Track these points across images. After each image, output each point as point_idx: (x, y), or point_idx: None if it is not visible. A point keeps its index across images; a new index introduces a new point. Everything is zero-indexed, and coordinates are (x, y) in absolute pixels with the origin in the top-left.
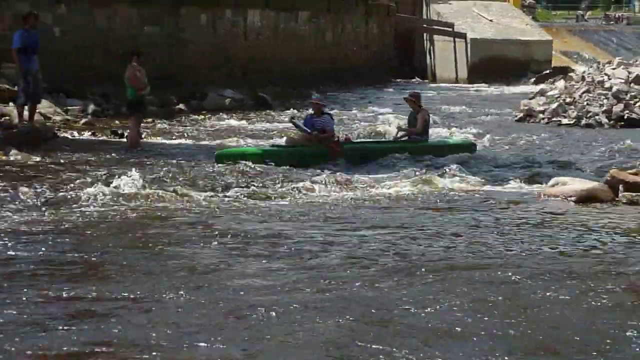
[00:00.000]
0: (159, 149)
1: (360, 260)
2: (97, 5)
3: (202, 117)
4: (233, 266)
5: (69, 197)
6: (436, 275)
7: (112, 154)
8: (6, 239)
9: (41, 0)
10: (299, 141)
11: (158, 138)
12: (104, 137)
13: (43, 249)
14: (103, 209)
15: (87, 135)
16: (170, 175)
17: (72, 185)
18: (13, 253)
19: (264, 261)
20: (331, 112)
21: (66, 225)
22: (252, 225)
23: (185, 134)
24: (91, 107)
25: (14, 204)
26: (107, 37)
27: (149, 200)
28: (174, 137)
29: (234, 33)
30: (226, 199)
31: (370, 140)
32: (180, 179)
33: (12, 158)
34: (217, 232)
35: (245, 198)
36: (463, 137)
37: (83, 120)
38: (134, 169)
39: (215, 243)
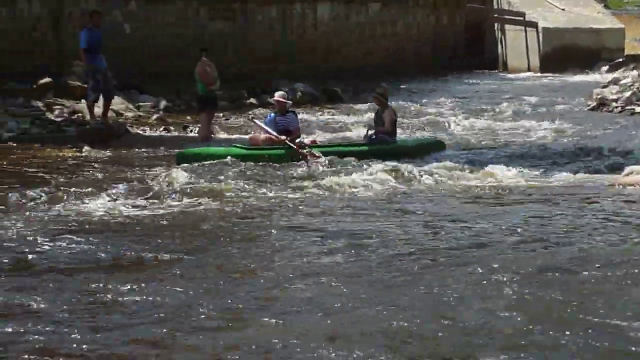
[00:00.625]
0: (230, 144)
1: (433, 253)
2: (166, 2)
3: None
4: (311, 259)
5: (141, 192)
6: (512, 269)
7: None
8: (84, 233)
9: None
10: (262, 141)
11: (229, 133)
12: (176, 133)
13: (123, 243)
14: (176, 203)
15: (158, 131)
16: (242, 170)
17: (144, 180)
18: (92, 247)
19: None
20: (296, 109)
21: (143, 220)
22: (321, 218)
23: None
24: (162, 103)
25: (88, 200)
26: (177, 33)
27: (224, 195)
28: (245, 132)
29: (304, 26)
30: (297, 193)
31: (338, 143)
32: (251, 173)
33: (85, 154)
34: (294, 226)
35: (318, 190)
36: (429, 135)
37: (154, 116)
38: (205, 164)
39: (296, 238)
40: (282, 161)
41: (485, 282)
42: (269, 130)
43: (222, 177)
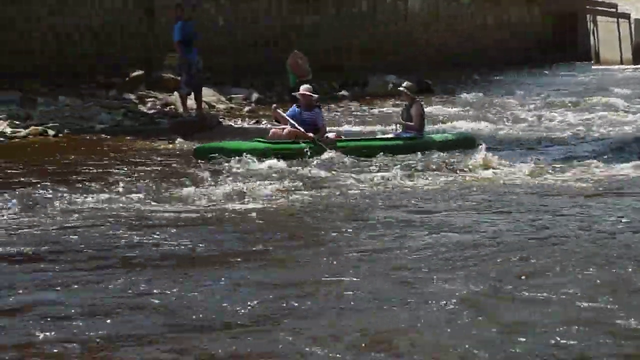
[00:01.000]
0: (252, 138)
1: (530, 249)
2: None
3: (365, 103)
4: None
5: (232, 184)
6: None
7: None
8: (172, 227)
9: None
10: (284, 136)
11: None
12: (268, 125)
13: (213, 237)
14: (268, 195)
15: (250, 123)
16: (334, 160)
17: (236, 171)
18: (180, 241)
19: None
20: (320, 105)
21: (234, 212)
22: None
23: (348, 120)
24: (254, 95)
25: (177, 192)
26: (269, 26)
27: (316, 184)
28: (337, 124)
29: (395, 18)
30: (388, 182)
31: (364, 137)
32: (343, 164)
33: (178, 146)
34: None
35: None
36: (461, 131)
37: (246, 108)
38: (297, 156)
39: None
40: (306, 157)
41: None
42: (296, 125)
43: (311, 168)
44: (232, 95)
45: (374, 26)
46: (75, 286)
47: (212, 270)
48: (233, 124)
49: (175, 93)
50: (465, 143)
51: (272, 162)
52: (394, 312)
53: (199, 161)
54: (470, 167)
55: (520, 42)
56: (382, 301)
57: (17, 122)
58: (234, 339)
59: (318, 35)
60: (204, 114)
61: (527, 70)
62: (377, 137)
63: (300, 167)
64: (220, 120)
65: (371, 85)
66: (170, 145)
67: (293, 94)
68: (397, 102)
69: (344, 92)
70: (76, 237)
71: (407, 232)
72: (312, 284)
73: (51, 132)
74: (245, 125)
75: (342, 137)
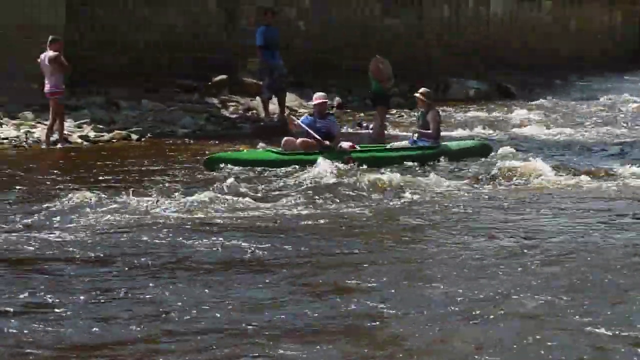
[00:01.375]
0: (404, 141)
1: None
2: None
3: (447, 107)
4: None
5: (315, 189)
6: None
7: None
8: (248, 231)
9: None
10: (297, 146)
11: (403, 130)
12: (349, 129)
13: (292, 242)
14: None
15: None
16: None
17: (318, 177)
18: (250, 246)
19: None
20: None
21: (315, 218)
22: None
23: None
24: (336, 100)
25: (255, 196)
26: (349, 30)
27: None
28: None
29: (477, 23)
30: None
31: (379, 146)
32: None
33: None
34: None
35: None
36: (477, 139)
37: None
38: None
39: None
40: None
41: None
42: (313, 133)
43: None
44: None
45: (456, 30)
46: (151, 288)
47: (294, 276)
48: None
49: (258, 98)
50: (482, 151)
51: (323, 169)
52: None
53: (210, 171)
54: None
55: (602, 47)
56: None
57: (100, 126)
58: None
59: (400, 39)
60: (286, 119)
61: (608, 76)
62: (393, 146)
63: (349, 173)
64: None
65: (452, 91)
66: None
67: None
68: (478, 108)
69: None
70: (153, 239)
71: (486, 236)
72: (395, 289)
73: (134, 136)
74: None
75: (357, 146)
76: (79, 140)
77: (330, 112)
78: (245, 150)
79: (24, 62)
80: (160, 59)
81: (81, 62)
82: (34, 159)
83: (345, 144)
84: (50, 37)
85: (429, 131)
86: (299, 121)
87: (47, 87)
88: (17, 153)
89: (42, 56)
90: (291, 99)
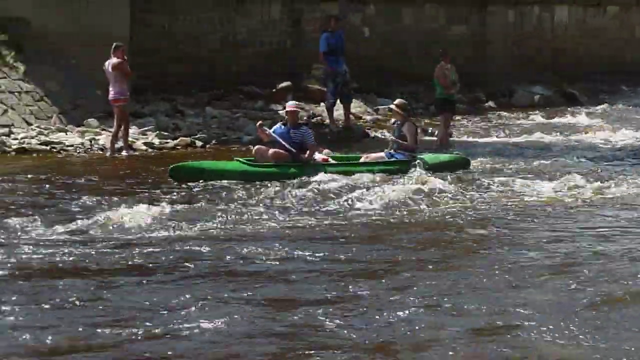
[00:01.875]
0: (469, 147)
1: None
2: (404, 5)
3: (512, 114)
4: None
5: (379, 195)
6: None
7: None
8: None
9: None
10: (271, 157)
11: (467, 136)
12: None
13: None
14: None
15: None
16: (482, 171)
17: (384, 183)
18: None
19: None
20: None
21: (383, 224)
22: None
23: (494, 131)
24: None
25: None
26: (414, 36)
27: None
28: (483, 135)
29: (541, 29)
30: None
31: (353, 161)
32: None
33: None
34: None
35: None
36: (455, 152)
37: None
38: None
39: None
40: (291, 179)
41: None
42: (285, 144)
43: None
44: (379, 106)
45: (520, 37)
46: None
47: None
48: (380, 135)
49: (322, 104)
50: (460, 164)
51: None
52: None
53: (175, 182)
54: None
55: None
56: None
57: (165, 133)
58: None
59: (464, 45)
60: (351, 125)
61: None
62: (368, 160)
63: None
64: (367, 131)
65: (517, 97)
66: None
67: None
68: (543, 114)
69: (490, 103)
70: (214, 247)
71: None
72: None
73: (199, 143)
74: (392, 136)
75: (330, 159)
76: (144, 147)
77: (303, 121)
78: (212, 160)
79: (88, 69)
80: (225, 66)
81: (145, 69)
82: (98, 165)
83: (318, 157)
84: (113, 44)
85: (406, 143)
86: (270, 131)
87: (111, 94)
88: (81, 160)
89: (106, 63)
90: (356, 106)
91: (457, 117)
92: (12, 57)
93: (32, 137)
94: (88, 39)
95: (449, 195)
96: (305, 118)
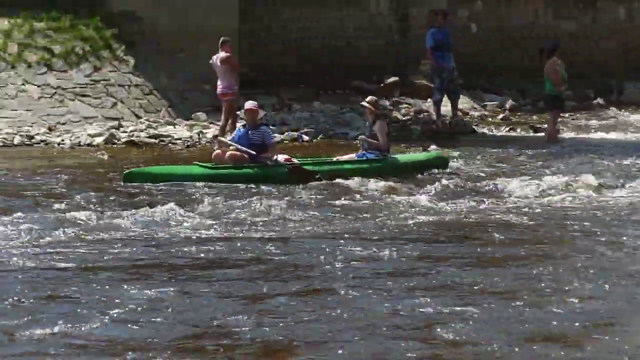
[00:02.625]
0: (578, 144)
1: None
2: (512, 1)
3: (622, 111)
4: None
5: (484, 192)
6: None
7: (529, 150)
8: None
9: None
10: (228, 160)
11: (576, 132)
12: (522, 133)
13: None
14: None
15: (504, 130)
16: (593, 168)
17: (488, 180)
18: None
19: None
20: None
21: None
22: None
23: (604, 128)
24: (508, 103)
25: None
26: (523, 33)
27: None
28: (593, 132)
29: None
30: None
31: (321, 161)
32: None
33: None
34: None
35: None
36: (432, 151)
37: (500, 116)
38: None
39: None
40: (253, 181)
41: None
42: (239, 146)
43: None
44: (486, 102)
45: (633, 33)
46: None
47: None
48: (487, 132)
49: (429, 100)
50: (437, 163)
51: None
52: None
53: (128, 187)
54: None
55: None
56: None
57: (272, 127)
58: None
59: (574, 42)
60: (458, 121)
61: None
62: (338, 159)
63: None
64: (474, 127)
65: (627, 93)
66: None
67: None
68: None
69: (599, 100)
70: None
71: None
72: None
73: (306, 138)
74: (499, 133)
75: (295, 160)
76: None
77: (263, 121)
78: (166, 165)
79: (197, 63)
80: (332, 61)
81: (253, 63)
82: (204, 159)
83: (281, 157)
84: (221, 39)
85: (377, 142)
86: (224, 139)
87: (219, 88)
88: (189, 154)
89: (213, 58)
90: (463, 102)
91: (565, 114)
92: (122, 51)
93: (142, 130)
94: (197, 34)
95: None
96: (411, 113)
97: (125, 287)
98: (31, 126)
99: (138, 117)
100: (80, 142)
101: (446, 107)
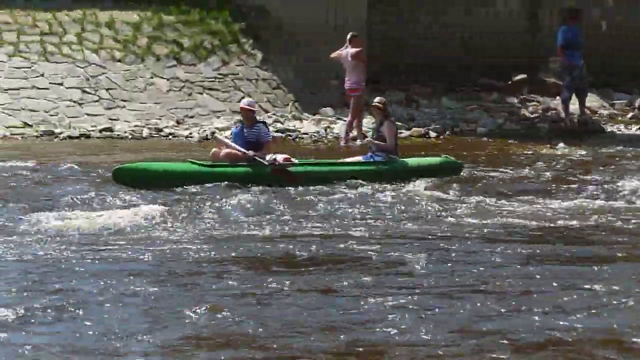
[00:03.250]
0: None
1: None
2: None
3: None
4: None
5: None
6: None
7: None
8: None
9: None
10: (224, 158)
11: None
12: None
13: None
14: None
15: (634, 129)
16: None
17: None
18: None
19: None
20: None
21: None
22: None
23: None
24: (638, 101)
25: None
26: None
27: None
28: None
29: None
30: None
31: (324, 161)
32: None
33: (559, 152)
34: None
35: None
36: (443, 156)
37: (629, 114)
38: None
39: None
40: (248, 180)
41: None
42: (234, 145)
43: None
44: (615, 101)
45: None
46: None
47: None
48: (616, 131)
49: (558, 97)
50: (449, 168)
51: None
52: None
53: (121, 185)
54: None
55: None
56: None
57: (399, 123)
58: None
59: None
60: (586, 120)
61: None
62: (341, 161)
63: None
64: (603, 126)
65: None
66: (552, 151)
67: None
68: None
69: None
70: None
71: None
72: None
73: (433, 134)
74: (628, 131)
75: (295, 160)
76: None
77: (260, 119)
78: (160, 162)
79: (324, 58)
80: (460, 57)
81: (381, 59)
82: (332, 153)
83: (280, 156)
84: (349, 34)
85: (384, 143)
86: (221, 137)
87: (347, 84)
88: (315, 148)
89: (343, 53)
90: (592, 100)
91: None
92: (250, 45)
93: (269, 125)
94: (325, 29)
95: None
96: (539, 111)
97: (126, 286)
98: (159, 119)
99: (266, 111)
100: (207, 135)
101: (574, 106)
